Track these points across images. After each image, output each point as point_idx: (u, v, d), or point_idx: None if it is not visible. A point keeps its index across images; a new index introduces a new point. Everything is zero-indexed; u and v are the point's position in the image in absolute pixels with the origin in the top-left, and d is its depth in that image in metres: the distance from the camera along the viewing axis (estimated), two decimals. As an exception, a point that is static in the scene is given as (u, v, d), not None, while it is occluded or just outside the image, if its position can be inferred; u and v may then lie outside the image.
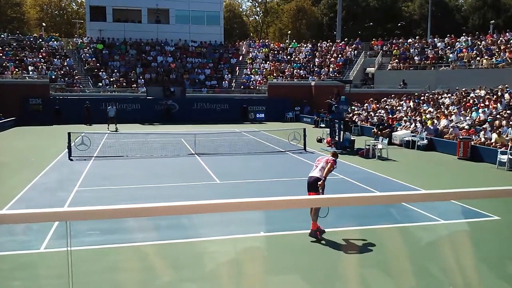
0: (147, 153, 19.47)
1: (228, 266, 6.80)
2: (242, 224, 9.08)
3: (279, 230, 8.99)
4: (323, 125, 30.54)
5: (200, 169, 16.10)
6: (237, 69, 46.63)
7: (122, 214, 1.65)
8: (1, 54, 39.62)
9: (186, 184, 13.73)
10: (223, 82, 43.64)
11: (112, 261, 7.68)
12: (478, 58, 37.47)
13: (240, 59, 48.57)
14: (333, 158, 9.06)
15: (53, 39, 46.52)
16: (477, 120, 22.78)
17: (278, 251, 8.08)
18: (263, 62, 47.28)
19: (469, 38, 40.77)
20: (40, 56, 41.82)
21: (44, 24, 65.62)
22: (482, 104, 24.94)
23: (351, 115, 30.36)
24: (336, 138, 21.38)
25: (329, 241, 8.49)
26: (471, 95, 28.25)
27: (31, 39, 45.20)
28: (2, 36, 44.02)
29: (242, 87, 43.14)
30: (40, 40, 45.18)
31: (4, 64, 38.30)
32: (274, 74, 44.67)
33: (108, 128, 29.25)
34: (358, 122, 29.30)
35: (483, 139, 19.31)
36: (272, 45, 52.30)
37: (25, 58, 40.60)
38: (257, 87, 43.07)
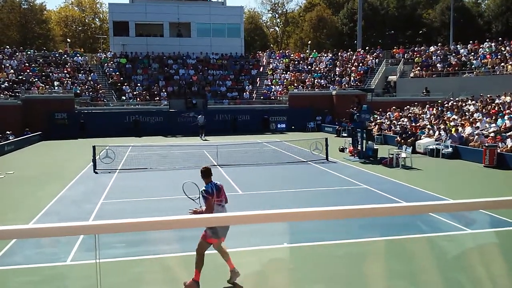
0: (170, 165, 19.63)
1: (252, 277, 6.78)
2: (265, 235, 9.04)
3: (302, 241, 8.92)
4: (345, 135, 30.29)
5: (222, 181, 16.05)
6: (257, 80, 46.83)
7: (150, 227, 1.66)
8: (28, 71, 40.67)
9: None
10: (244, 93, 43.86)
11: (136, 273, 7.73)
12: (502, 64, 36.80)
13: (261, 70, 48.80)
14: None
15: (77, 55, 47.58)
16: (503, 127, 22.32)
17: (302, 262, 8.01)
18: (284, 72, 47.38)
19: (492, 44, 40.10)
20: (65, 71, 42.79)
21: (68, 40, 67.19)
22: (507, 111, 24.44)
23: (373, 123, 30.05)
24: (359, 147, 21.20)
25: (354, 252, 8.38)
26: (496, 101, 27.73)
27: (57, 55, 46.31)
28: (29, 52, 45.24)
29: (263, 97, 43.28)
30: (65, 55, 46.29)
31: (31, 80, 39.30)
32: (295, 84, 44.69)
33: (201, 137, 31.00)
34: (379, 131, 28.99)
35: (509, 146, 18.90)
36: (292, 55, 52.40)
37: (51, 74, 41.59)
38: (278, 98, 43.12)
